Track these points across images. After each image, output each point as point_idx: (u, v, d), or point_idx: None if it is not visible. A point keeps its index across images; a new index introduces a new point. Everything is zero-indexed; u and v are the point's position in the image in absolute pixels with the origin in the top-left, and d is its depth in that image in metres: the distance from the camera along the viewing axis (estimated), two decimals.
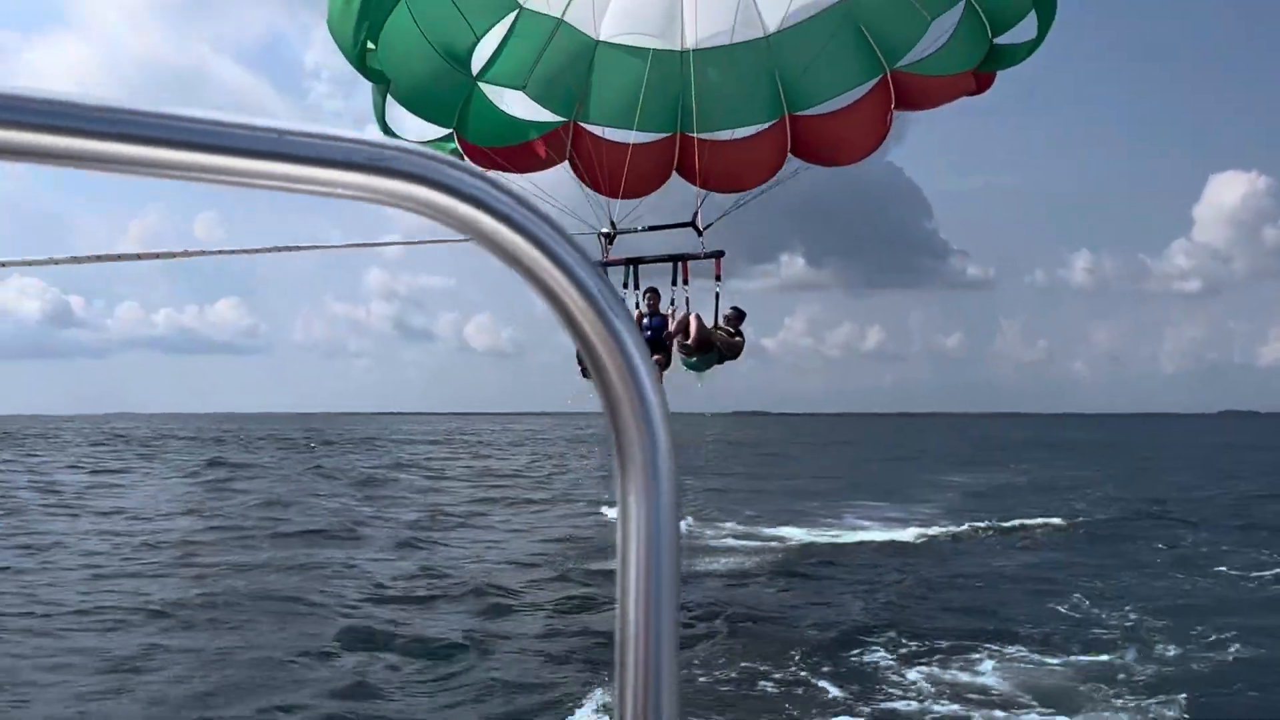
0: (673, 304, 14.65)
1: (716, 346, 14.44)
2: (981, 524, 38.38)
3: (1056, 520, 39.98)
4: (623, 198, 14.77)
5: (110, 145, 0.81)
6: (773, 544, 31.98)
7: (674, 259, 14.62)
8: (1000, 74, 14.56)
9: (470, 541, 33.24)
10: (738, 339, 14.75)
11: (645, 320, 14.60)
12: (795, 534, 33.53)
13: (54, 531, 32.20)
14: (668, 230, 14.90)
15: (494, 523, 38.56)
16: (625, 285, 14.74)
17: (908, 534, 36.46)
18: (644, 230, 14.70)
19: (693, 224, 14.63)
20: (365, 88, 14.78)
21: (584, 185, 14.94)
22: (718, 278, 14.62)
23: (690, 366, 14.65)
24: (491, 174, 0.94)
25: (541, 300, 0.96)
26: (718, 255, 14.54)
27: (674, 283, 14.60)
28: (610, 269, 14.50)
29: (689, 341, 14.26)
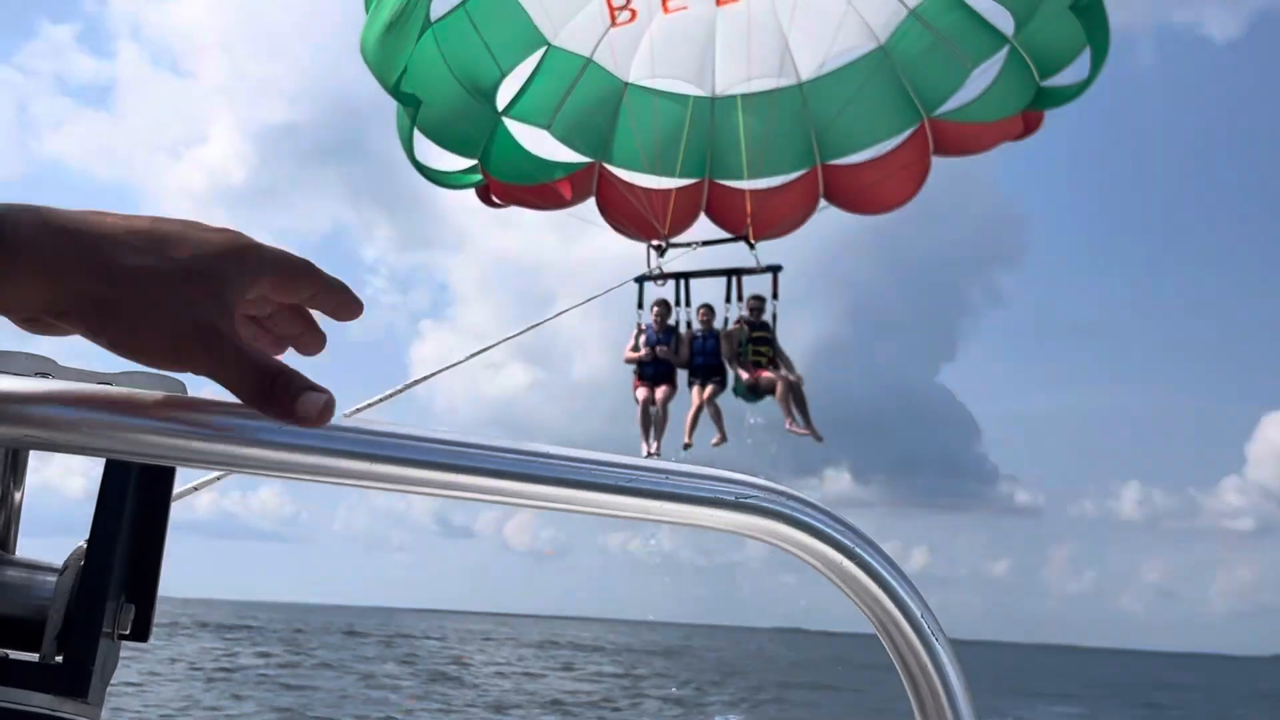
0: (725, 322, 13.69)
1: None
2: None
3: None
4: (648, 240, 14.08)
5: (543, 489, 0.88)
6: None
7: (728, 274, 13.73)
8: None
9: None
10: (784, 373, 13.37)
11: (699, 341, 13.72)
12: None
13: None
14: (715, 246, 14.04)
15: None
16: (677, 302, 13.85)
17: None
18: (700, 246, 13.87)
19: (744, 238, 13.76)
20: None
21: (611, 226, 14.25)
22: (774, 295, 13.63)
23: (742, 395, 13.51)
24: (841, 515, 0.99)
25: (871, 624, 1.02)
26: (775, 270, 13.60)
27: (727, 299, 13.68)
28: (660, 283, 13.79)
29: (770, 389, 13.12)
